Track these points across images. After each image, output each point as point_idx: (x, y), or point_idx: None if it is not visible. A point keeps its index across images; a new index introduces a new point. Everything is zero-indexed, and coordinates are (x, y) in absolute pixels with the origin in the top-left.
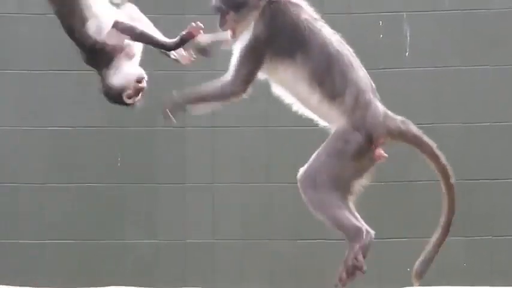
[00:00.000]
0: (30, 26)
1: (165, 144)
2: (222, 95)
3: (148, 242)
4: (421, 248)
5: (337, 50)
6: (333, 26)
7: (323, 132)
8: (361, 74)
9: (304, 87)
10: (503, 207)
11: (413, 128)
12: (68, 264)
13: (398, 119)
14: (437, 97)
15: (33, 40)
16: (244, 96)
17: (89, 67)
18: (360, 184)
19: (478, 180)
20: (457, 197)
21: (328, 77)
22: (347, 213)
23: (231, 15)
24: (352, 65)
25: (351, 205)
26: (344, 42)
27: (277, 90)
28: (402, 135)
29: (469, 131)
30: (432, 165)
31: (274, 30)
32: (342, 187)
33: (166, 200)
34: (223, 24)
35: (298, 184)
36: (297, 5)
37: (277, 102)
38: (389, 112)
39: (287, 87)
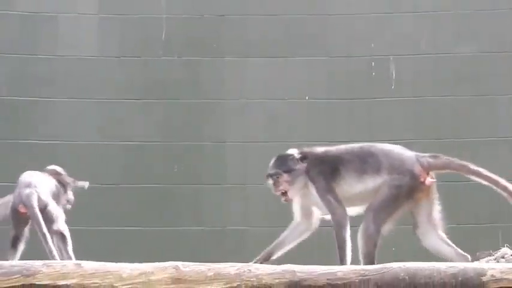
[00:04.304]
0: (107, 67)
1: (210, 155)
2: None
3: (196, 228)
4: None
5: (361, 146)
6: (336, 67)
7: None
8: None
9: (360, 184)
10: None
11: (443, 159)
12: (136, 245)
13: (427, 155)
14: (415, 119)
15: (110, 77)
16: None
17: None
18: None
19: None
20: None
21: (367, 164)
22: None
23: (285, 178)
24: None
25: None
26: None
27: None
28: (436, 167)
29: (441, 144)
30: (478, 179)
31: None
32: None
33: (209, 197)
34: (277, 187)
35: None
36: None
37: None
38: (419, 154)
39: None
